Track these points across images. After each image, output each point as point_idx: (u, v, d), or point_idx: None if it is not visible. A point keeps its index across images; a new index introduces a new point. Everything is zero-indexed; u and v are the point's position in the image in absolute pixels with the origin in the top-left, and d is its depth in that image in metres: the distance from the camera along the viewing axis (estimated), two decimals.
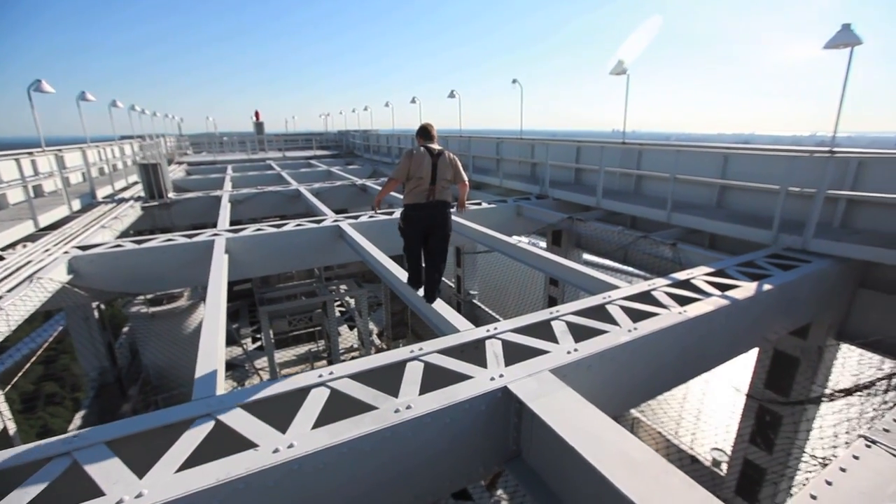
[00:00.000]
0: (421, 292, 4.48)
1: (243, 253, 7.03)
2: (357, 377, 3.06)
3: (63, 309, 9.25)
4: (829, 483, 2.01)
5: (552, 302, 10.36)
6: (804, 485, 2.12)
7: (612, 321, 3.85)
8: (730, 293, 4.38)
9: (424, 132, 4.22)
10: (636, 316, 3.92)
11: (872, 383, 3.87)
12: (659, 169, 8.38)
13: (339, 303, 18.43)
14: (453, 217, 4.33)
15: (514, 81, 12.86)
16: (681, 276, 4.90)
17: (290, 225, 7.74)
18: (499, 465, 3.10)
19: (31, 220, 7.46)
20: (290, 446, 2.34)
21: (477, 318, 12.97)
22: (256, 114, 32.62)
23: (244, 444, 2.40)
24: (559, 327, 3.74)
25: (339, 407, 2.76)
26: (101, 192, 11.09)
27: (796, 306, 5.02)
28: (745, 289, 4.50)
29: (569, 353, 3.30)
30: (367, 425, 2.50)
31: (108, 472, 2.21)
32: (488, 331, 3.70)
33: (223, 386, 3.12)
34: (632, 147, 8.94)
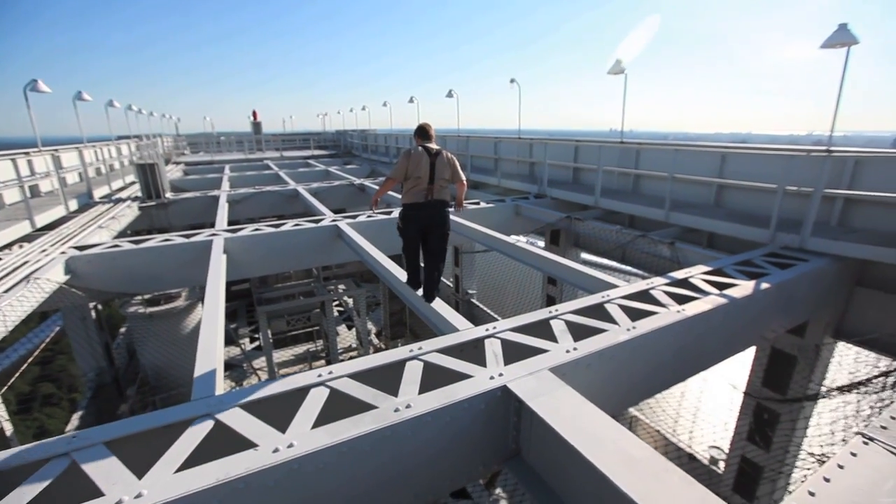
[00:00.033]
0: (420, 292, 4.48)
1: (241, 253, 7.02)
2: (356, 377, 3.06)
3: (60, 309, 9.21)
4: (826, 480, 2.02)
5: (550, 301, 10.37)
6: (802, 481, 2.14)
7: (611, 320, 3.86)
8: (728, 292, 4.40)
9: (422, 132, 4.23)
10: (635, 315, 3.93)
11: (869, 380, 3.89)
12: (657, 168, 8.40)
13: (337, 302, 18.41)
14: (451, 217, 4.34)
15: (513, 81, 12.86)
16: (679, 274, 4.92)
17: (289, 225, 7.73)
18: (498, 463, 3.11)
19: (28, 220, 7.43)
20: (290, 446, 2.34)
21: (475, 318, 12.97)
22: (254, 113, 32.53)
23: (244, 443, 2.40)
24: (558, 326, 3.74)
25: (339, 406, 2.76)
26: (98, 193, 11.05)
27: (794, 305, 5.04)
28: (742, 287, 4.51)
29: (568, 351, 3.31)
30: (367, 424, 2.50)
31: (108, 473, 2.21)
32: (487, 330, 3.70)
33: (222, 386, 3.12)
34: (630, 146, 8.96)
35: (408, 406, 2.67)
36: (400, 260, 4.94)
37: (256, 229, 7.41)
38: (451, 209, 4.24)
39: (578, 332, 3.62)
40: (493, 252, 8.99)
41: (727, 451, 7.20)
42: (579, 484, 2.46)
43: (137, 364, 12.16)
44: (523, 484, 2.92)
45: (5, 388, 6.66)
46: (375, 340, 16.52)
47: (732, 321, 4.37)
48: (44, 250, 6.40)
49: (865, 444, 2.18)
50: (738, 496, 6.45)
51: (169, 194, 11.47)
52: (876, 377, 4.05)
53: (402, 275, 4.93)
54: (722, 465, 7.39)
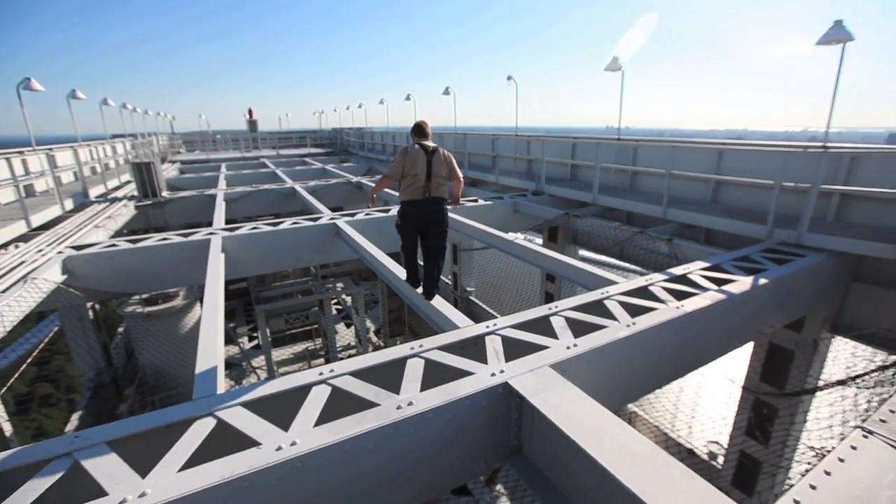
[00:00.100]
0: (419, 290, 4.49)
1: (240, 251, 7.00)
2: (358, 374, 3.06)
3: (57, 309, 9.17)
4: (827, 473, 2.04)
5: (549, 298, 10.40)
6: (802, 475, 2.16)
7: (611, 316, 3.87)
8: (726, 288, 4.42)
9: (419, 129, 4.24)
10: (634, 311, 3.95)
11: (868, 374, 3.92)
12: (654, 165, 8.41)
13: (335, 301, 18.40)
14: (450, 214, 4.35)
15: (510, 78, 12.84)
16: (677, 271, 4.94)
17: (287, 223, 7.71)
18: (500, 460, 3.12)
19: (24, 220, 7.38)
20: (293, 444, 2.35)
21: (474, 315, 12.99)
22: (250, 111, 32.36)
23: (246, 442, 2.40)
24: (558, 323, 3.76)
25: (341, 404, 2.77)
26: (94, 192, 10.98)
27: (791, 300, 5.07)
28: (740, 283, 4.54)
29: (568, 348, 3.32)
30: (370, 422, 2.50)
31: (111, 472, 2.20)
32: (488, 327, 3.71)
33: (223, 384, 3.12)
34: (627, 143, 8.97)
35: (410, 403, 2.68)
36: (399, 258, 4.95)
37: (254, 228, 7.38)
38: (448, 206, 4.26)
39: (578, 329, 3.63)
40: (492, 249, 9.00)
41: (726, 445, 7.25)
42: (581, 479, 2.47)
43: (136, 364, 12.12)
44: (525, 480, 2.93)
45: (4, 388, 6.63)
46: (374, 338, 16.53)
47: (731, 317, 4.39)
48: (40, 250, 6.36)
49: (865, 437, 2.20)
50: (737, 491, 6.51)
51: (165, 193, 11.40)
52: (873, 371, 4.09)
53: (401, 272, 4.93)
54: (721, 459, 7.44)
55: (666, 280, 4.69)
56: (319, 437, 2.40)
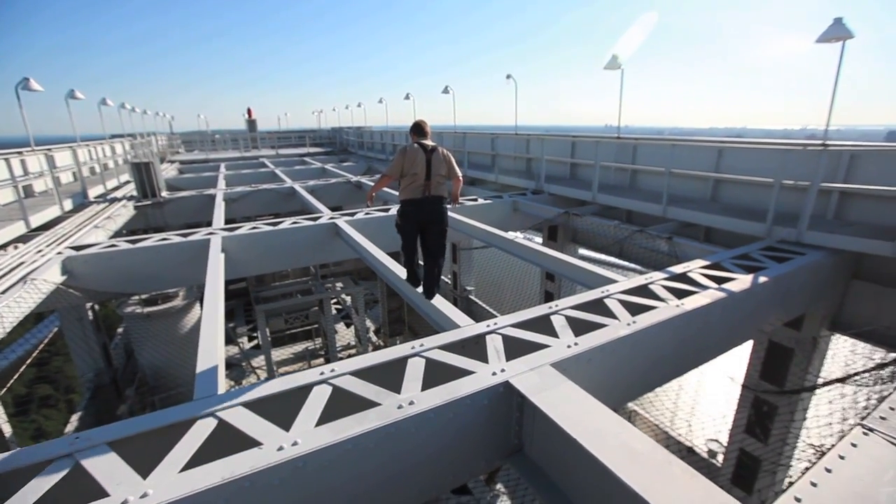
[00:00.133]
0: (420, 289, 4.50)
1: (239, 251, 6.99)
2: (359, 374, 3.06)
3: (56, 310, 9.15)
4: (828, 470, 2.05)
5: (548, 297, 10.40)
6: (802, 473, 2.16)
7: (611, 315, 3.87)
8: (726, 286, 4.43)
9: (418, 129, 4.25)
10: (635, 309, 3.95)
11: (868, 371, 3.93)
12: (654, 163, 8.41)
13: (335, 300, 18.39)
14: (449, 213, 4.36)
15: (509, 77, 12.83)
16: (677, 269, 4.94)
17: (287, 223, 7.70)
18: (501, 459, 3.12)
19: (23, 220, 7.37)
20: (295, 444, 2.35)
21: (473, 314, 12.97)
22: (249, 111, 32.34)
23: (248, 442, 2.40)
24: (559, 321, 3.76)
25: (342, 404, 2.77)
26: (93, 192, 10.96)
27: (791, 298, 5.08)
28: (740, 281, 4.54)
29: (569, 346, 3.33)
30: (371, 422, 2.50)
31: (112, 473, 2.20)
32: (488, 326, 3.71)
33: (224, 385, 3.12)
34: (627, 142, 8.97)
35: (411, 403, 2.68)
36: (399, 257, 4.95)
37: (254, 228, 7.38)
38: (448, 205, 4.26)
39: (579, 328, 3.64)
40: (491, 249, 8.99)
41: (725, 443, 7.27)
42: (582, 478, 2.48)
43: (135, 364, 12.11)
44: (526, 479, 2.94)
45: (4, 390, 6.62)
46: (374, 338, 16.53)
47: (731, 315, 4.40)
48: (40, 251, 6.35)
49: (866, 434, 2.21)
50: (736, 489, 6.52)
51: (164, 193, 11.39)
52: (873, 368, 4.10)
53: (401, 272, 4.93)
54: (720, 457, 7.46)
55: (666, 278, 4.70)
56: (321, 437, 2.40)
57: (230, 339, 15.24)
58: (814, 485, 2.00)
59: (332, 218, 7.94)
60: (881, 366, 4.23)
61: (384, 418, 2.54)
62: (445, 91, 15.28)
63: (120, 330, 14.20)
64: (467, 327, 3.76)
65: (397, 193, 4.25)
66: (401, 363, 3.19)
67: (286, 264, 10.23)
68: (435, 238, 4.27)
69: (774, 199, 5.72)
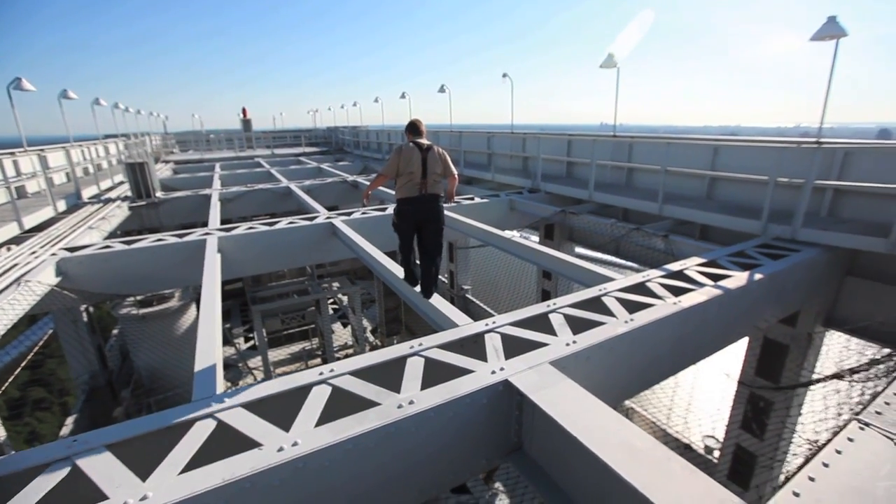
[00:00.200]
0: (418, 288, 4.50)
1: (236, 252, 6.96)
2: (358, 374, 3.06)
3: (50, 312, 9.08)
4: (825, 465, 2.07)
5: (545, 295, 10.42)
6: (799, 468, 2.18)
7: (609, 313, 3.89)
8: (722, 283, 4.46)
9: (413, 128, 4.27)
10: (632, 307, 3.97)
11: (864, 367, 3.97)
12: (650, 161, 8.45)
13: (331, 300, 18.34)
14: (446, 212, 4.37)
15: (505, 76, 12.84)
16: (674, 267, 4.97)
17: (283, 222, 7.67)
18: (501, 457, 3.13)
19: (16, 221, 7.29)
20: (295, 444, 2.34)
21: (471, 313, 12.94)
22: (244, 111, 32.17)
23: (248, 443, 2.39)
24: (557, 320, 3.77)
25: (342, 404, 2.76)
26: (87, 193, 10.87)
27: (786, 295, 5.12)
28: (736, 278, 4.58)
29: (568, 345, 3.34)
30: (371, 421, 2.50)
31: (111, 476, 2.19)
32: (487, 325, 3.72)
33: (222, 386, 3.11)
34: (623, 140, 9.00)
35: (411, 402, 2.68)
36: (396, 256, 4.95)
37: (250, 228, 7.35)
38: (444, 203, 4.28)
39: (577, 326, 3.65)
40: (488, 247, 9.00)
41: (721, 440, 7.32)
42: (582, 475, 2.49)
43: (131, 366, 12.03)
44: (526, 477, 2.95)
45: None
46: (371, 338, 16.50)
47: (727, 312, 4.43)
48: (33, 252, 6.29)
49: (862, 429, 2.23)
50: (733, 484, 6.57)
51: (159, 193, 11.32)
52: (868, 364, 4.14)
53: (398, 271, 4.93)
54: (717, 453, 7.51)
55: (663, 276, 4.72)
56: (321, 438, 2.39)
57: (226, 340, 15.17)
58: (811, 479, 2.02)
59: (328, 217, 7.92)
60: (877, 361, 4.28)
61: (384, 418, 2.54)
62: (441, 90, 15.27)
63: (115, 332, 14.09)
64: (466, 326, 3.76)
65: (393, 192, 4.26)
66: (400, 363, 3.19)
67: (283, 264, 10.20)
68: (432, 236, 4.28)
69: (769, 196, 5.76)
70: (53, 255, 6.22)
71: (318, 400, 2.77)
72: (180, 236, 6.98)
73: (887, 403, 2.44)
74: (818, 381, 4.78)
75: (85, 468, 2.24)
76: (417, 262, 4.51)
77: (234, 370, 14.42)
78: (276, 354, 15.31)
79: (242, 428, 2.51)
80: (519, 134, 11.98)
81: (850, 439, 2.20)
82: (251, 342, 16.53)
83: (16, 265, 5.74)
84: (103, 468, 2.24)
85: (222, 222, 8.26)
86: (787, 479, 2.11)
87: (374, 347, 15.26)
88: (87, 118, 16.53)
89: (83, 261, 6.30)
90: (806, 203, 5.47)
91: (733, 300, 4.39)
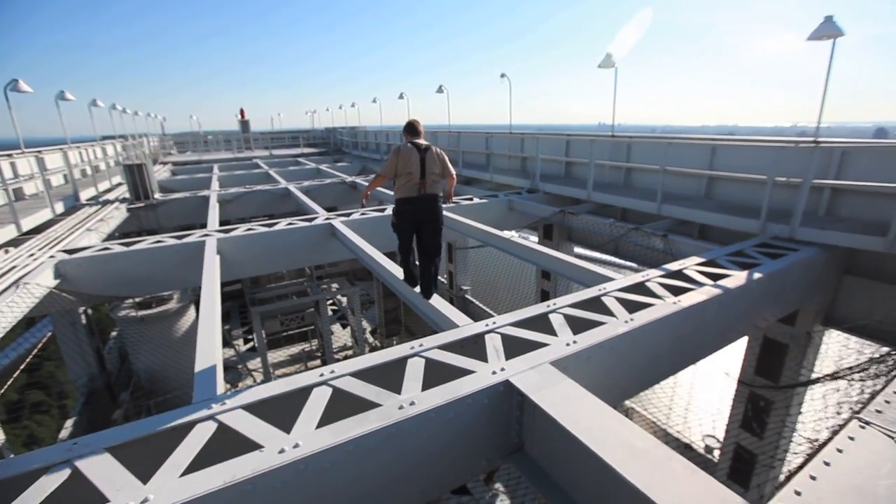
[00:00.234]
0: (418, 289, 4.50)
1: (235, 253, 6.95)
2: (359, 375, 3.06)
3: (47, 315, 9.05)
4: (826, 464, 2.07)
5: (544, 296, 10.43)
6: (800, 467, 2.18)
7: (609, 313, 3.89)
8: (721, 282, 4.46)
9: (411, 128, 4.29)
10: (632, 307, 3.97)
11: (864, 366, 3.98)
12: (648, 161, 8.46)
13: (330, 301, 18.32)
14: (445, 212, 4.38)
15: (503, 76, 12.86)
16: (673, 266, 4.98)
17: (282, 224, 7.66)
18: (501, 458, 3.13)
19: (14, 223, 7.27)
20: (296, 446, 2.34)
21: (470, 314, 12.93)
22: (241, 112, 32.08)
23: (249, 445, 2.38)
24: (557, 320, 3.77)
25: (343, 405, 2.76)
26: (85, 195, 10.84)
27: (785, 294, 5.13)
28: (735, 278, 4.58)
29: (568, 345, 3.34)
30: (372, 423, 2.50)
31: (112, 479, 2.18)
32: (487, 325, 3.72)
33: (222, 388, 3.10)
34: (621, 140, 9.01)
35: (412, 403, 2.68)
36: (396, 257, 4.95)
37: (250, 229, 7.34)
38: (443, 203, 4.29)
39: (577, 326, 3.65)
40: (486, 248, 9.00)
41: (721, 439, 7.33)
42: (583, 475, 2.49)
43: (130, 368, 12.00)
44: (526, 477, 2.95)
45: None
46: (371, 339, 16.49)
47: (727, 311, 4.44)
48: (32, 254, 6.27)
49: (862, 427, 2.24)
50: (733, 483, 6.58)
51: (158, 195, 11.29)
52: (870, 363, 4.15)
53: (398, 272, 4.92)
54: (717, 453, 7.52)
55: (662, 276, 4.73)
56: (322, 439, 2.39)
57: (226, 342, 15.14)
58: (813, 478, 2.02)
59: (328, 218, 7.91)
60: (876, 360, 4.29)
61: (385, 419, 2.53)
62: (440, 90, 15.27)
63: (114, 334, 14.06)
64: (466, 327, 3.76)
65: (392, 193, 4.26)
66: (400, 363, 3.19)
67: (282, 266, 10.20)
68: (431, 236, 4.29)
69: (767, 195, 5.77)
70: (52, 257, 6.20)
71: (318, 401, 2.77)
72: (179, 238, 6.97)
73: (887, 402, 2.45)
74: (817, 380, 4.79)
75: (85, 471, 2.23)
76: (417, 262, 4.51)
77: (234, 372, 14.38)
78: (275, 356, 15.28)
79: (243, 430, 2.50)
80: (517, 134, 12.00)
81: (851, 438, 2.21)
82: (250, 344, 16.49)
83: (14, 267, 5.72)
84: (104, 471, 2.24)
85: (221, 224, 8.25)
86: (788, 478, 2.12)
87: (373, 348, 15.25)
88: (85, 119, 16.50)
89: (82, 263, 6.28)
90: (804, 202, 5.49)
91: (733, 299, 4.40)
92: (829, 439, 2.26)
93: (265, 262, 7.66)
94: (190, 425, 2.56)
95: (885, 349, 4.76)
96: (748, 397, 6.38)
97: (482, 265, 14.17)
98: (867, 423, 2.27)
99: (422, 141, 4.21)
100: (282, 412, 2.69)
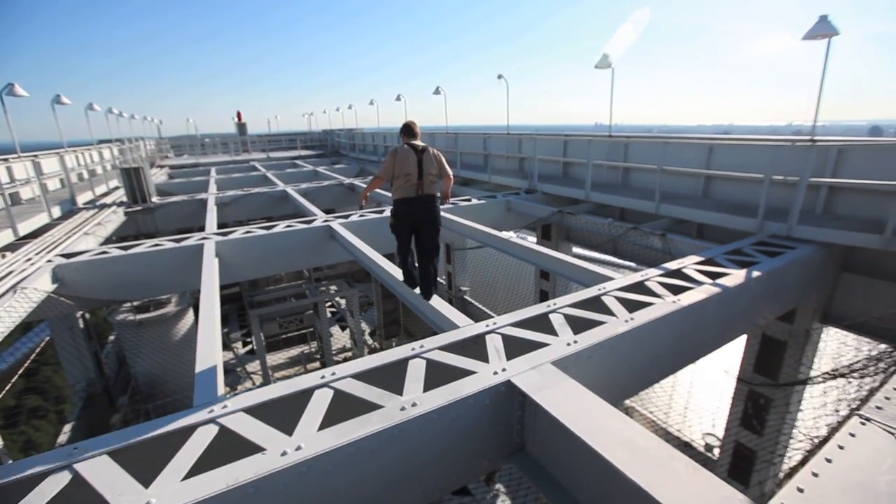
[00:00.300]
0: (417, 290, 4.50)
1: (234, 256, 6.94)
2: (360, 377, 3.05)
3: (45, 319, 9.00)
4: (828, 460, 2.08)
5: (543, 296, 10.44)
6: (800, 464, 2.19)
7: (609, 312, 3.90)
8: (720, 281, 4.48)
9: (408, 130, 4.30)
10: (632, 306, 3.98)
11: (864, 364, 4.00)
12: (646, 161, 8.48)
13: (329, 303, 18.30)
14: (443, 213, 4.39)
15: (500, 77, 12.88)
16: (672, 265, 4.99)
17: (281, 226, 7.65)
18: (503, 458, 3.13)
19: (10, 228, 7.24)
20: (298, 448, 2.33)
21: (469, 315, 12.96)
22: (238, 114, 32.03)
23: (250, 448, 2.38)
24: (557, 320, 3.78)
25: (344, 407, 2.75)
26: (82, 199, 10.81)
27: (783, 292, 5.15)
28: (734, 276, 4.60)
29: (569, 344, 3.35)
30: (375, 424, 2.50)
31: (113, 483, 2.17)
32: (487, 326, 3.72)
33: (223, 390, 3.09)
34: (618, 140, 9.04)
35: (414, 404, 2.67)
36: (394, 258, 4.96)
37: (248, 232, 7.32)
38: (440, 203, 4.30)
39: (578, 325, 3.66)
40: (485, 249, 9.00)
41: (721, 437, 7.35)
42: (585, 474, 2.49)
43: (128, 373, 11.95)
44: (528, 477, 2.95)
45: None
46: (370, 340, 16.47)
47: (726, 309, 4.45)
48: (29, 259, 6.24)
49: (863, 424, 2.25)
50: (733, 481, 6.59)
51: (155, 198, 11.27)
52: (867, 360, 4.17)
53: (397, 273, 4.93)
54: (717, 451, 7.54)
55: (661, 275, 4.74)
56: (324, 441, 2.39)
57: (224, 345, 15.10)
58: (815, 475, 2.03)
59: (326, 220, 7.91)
60: (875, 358, 4.31)
61: (387, 420, 2.53)
62: (437, 92, 15.28)
63: (111, 338, 14.00)
64: (466, 327, 3.76)
65: (390, 195, 4.27)
66: (401, 365, 3.19)
67: (281, 268, 10.16)
68: (429, 237, 4.29)
69: (765, 194, 5.80)
70: (49, 261, 6.18)
71: (320, 403, 2.77)
72: (177, 241, 6.95)
73: (888, 398, 2.46)
74: (817, 379, 4.80)
75: (86, 475, 2.22)
76: (416, 263, 4.51)
77: (233, 375, 14.34)
78: (274, 359, 15.24)
79: (245, 433, 2.50)
80: (515, 135, 12.01)
81: (852, 434, 2.22)
82: (249, 346, 16.45)
83: (11, 272, 5.69)
84: (105, 475, 2.23)
85: (219, 226, 8.23)
86: (790, 475, 2.13)
87: (372, 350, 15.23)
88: (81, 123, 16.45)
89: (79, 267, 6.26)
90: (801, 200, 5.51)
91: (731, 298, 4.42)
92: (830, 436, 2.27)
93: (264, 265, 7.64)
94: (191, 428, 2.55)
95: (883, 346, 4.78)
96: (748, 395, 6.40)
97: (481, 266, 14.18)
98: (868, 419, 2.28)
99: (418, 142, 4.23)
100: (283, 415, 2.68)
